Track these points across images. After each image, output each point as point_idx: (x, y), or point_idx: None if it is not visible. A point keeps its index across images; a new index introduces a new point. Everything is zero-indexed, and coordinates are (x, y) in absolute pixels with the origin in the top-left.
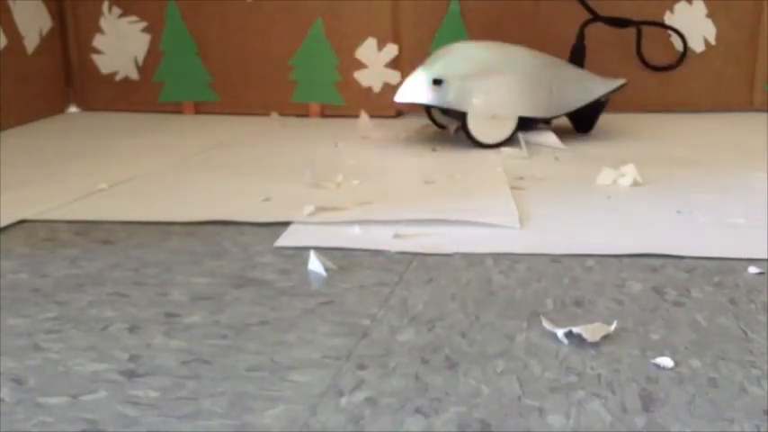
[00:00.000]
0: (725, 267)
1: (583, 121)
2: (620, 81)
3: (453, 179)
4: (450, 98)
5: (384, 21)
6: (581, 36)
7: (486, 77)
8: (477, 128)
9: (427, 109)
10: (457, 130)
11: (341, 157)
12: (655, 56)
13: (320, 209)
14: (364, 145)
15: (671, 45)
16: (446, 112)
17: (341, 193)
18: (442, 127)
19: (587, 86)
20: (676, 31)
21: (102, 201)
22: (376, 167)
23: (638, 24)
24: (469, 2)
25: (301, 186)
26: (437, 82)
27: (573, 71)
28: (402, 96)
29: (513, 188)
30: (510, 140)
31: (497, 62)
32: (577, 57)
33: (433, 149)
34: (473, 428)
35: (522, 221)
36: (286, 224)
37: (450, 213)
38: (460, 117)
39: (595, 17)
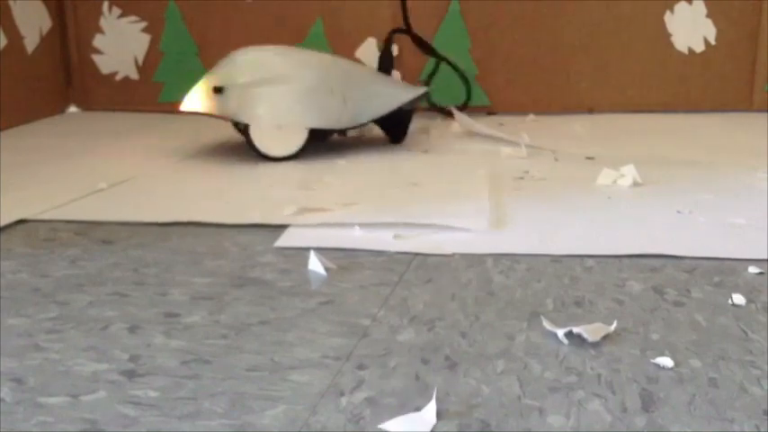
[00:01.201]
0: (725, 267)
1: (392, 131)
2: (423, 89)
3: (438, 181)
4: (232, 108)
5: (384, 21)
6: (388, 42)
7: (271, 86)
8: (261, 140)
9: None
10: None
11: (333, 158)
12: (652, 56)
13: (303, 209)
14: (358, 145)
15: (672, 45)
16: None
17: (326, 194)
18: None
19: (386, 95)
20: (458, 67)
21: (102, 201)
22: (365, 168)
23: (439, 58)
24: (469, 2)
25: (288, 187)
26: (218, 90)
27: (371, 79)
28: (185, 105)
29: (512, 188)
30: (302, 153)
31: (284, 69)
32: (383, 63)
33: (425, 151)
34: (473, 428)
35: (521, 222)
36: (286, 225)
37: (422, 217)
38: (244, 128)
39: (407, 31)
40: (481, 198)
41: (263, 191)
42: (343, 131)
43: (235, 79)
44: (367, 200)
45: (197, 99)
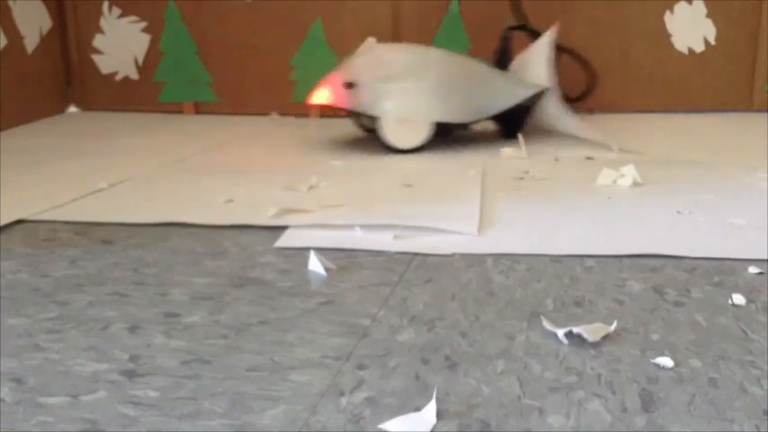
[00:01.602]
0: (725, 267)
1: (508, 126)
2: (543, 85)
3: (431, 182)
4: (363, 102)
5: (384, 21)
6: (506, 39)
7: (400, 81)
8: (390, 132)
9: (354, 112)
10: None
11: (328, 158)
12: (653, 56)
13: (284, 211)
14: (359, 145)
15: (672, 47)
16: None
17: (311, 196)
18: (370, 131)
19: (508, 91)
20: (586, 62)
21: (102, 201)
22: (360, 169)
23: (562, 51)
24: (469, 2)
25: (282, 188)
26: (349, 85)
27: (493, 75)
28: (317, 99)
29: (512, 188)
30: (428, 145)
31: (412, 66)
32: (501, 60)
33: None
34: (473, 428)
35: (521, 222)
36: (286, 225)
37: (409, 219)
38: (374, 121)
39: (523, 26)
40: (473, 200)
41: (255, 192)
42: (465, 126)
43: (365, 75)
44: (357, 201)
45: (329, 93)
